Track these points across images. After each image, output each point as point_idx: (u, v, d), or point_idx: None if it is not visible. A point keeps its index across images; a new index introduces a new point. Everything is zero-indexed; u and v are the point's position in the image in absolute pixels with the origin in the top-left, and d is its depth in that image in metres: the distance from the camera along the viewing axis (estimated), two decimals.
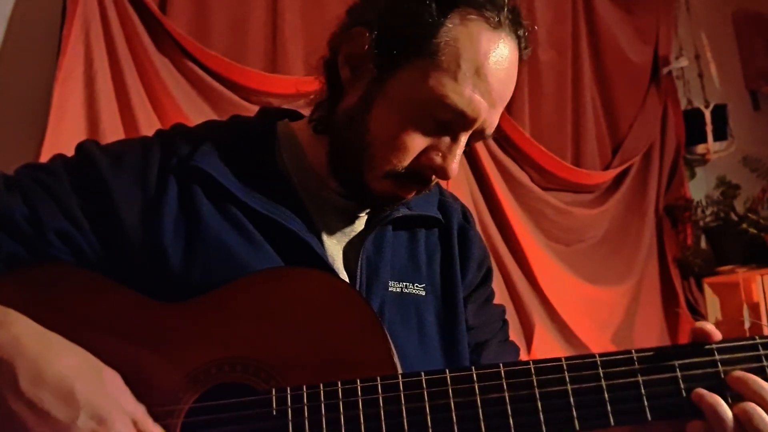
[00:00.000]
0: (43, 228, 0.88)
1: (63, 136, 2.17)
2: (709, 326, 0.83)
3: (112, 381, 0.79)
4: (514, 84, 0.96)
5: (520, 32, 0.95)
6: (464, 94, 0.90)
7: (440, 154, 0.95)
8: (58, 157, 0.98)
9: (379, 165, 0.95)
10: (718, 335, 0.83)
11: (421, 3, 0.91)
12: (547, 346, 3.13)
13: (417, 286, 1.03)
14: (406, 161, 0.94)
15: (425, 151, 0.94)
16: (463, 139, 0.95)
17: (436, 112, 0.92)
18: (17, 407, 0.73)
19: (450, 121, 0.93)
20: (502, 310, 1.17)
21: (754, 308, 3.53)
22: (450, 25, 0.90)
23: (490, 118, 0.94)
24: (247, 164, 0.99)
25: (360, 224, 1.05)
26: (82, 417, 0.73)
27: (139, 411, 0.78)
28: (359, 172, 0.96)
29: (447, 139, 0.94)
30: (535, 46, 3.41)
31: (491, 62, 0.91)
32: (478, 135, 0.97)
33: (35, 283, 0.86)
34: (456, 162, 0.95)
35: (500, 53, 0.92)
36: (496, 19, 0.91)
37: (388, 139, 0.94)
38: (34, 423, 0.73)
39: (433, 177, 0.97)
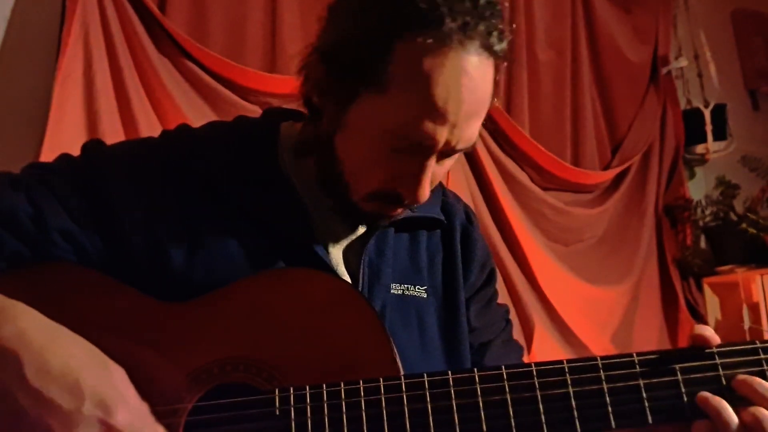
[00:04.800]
0: (47, 227, 0.89)
1: (63, 136, 2.17)
2: (709, 331, 0.83)
3: (118, 374, 0.79)
4: (481, 91, 0.90)
5: (483, 28, 0.87)
6: (414, 124, 0.87)
7: (406, 182, 0.92)
8: (64, 157, 0.98)
9: (357, 190, 0.95)
10: (717, 340, 0.83)
11: (365, 34, 0.88)
12: (546, 346, 3.14)
13: (418, 288, 1.03)
14: (377, 186, 0.94)
15: (394, 177, 0.93)
16: (430, 162, 0.91)
17: (392, 143, 0.89)
18: (23, 398, 0.73)
19: (408, 150, 0.90)
20: (505, 310, 1.17)
21: (754, 308, 3.53)
22: (395, 54, 0.86)
23: (456, 136, 0.89)
24: (249, 166, 0.99)
25: (361, 227, 1.04)
26: (87, 405, 0.74)
27: (143, 408, 0.78)
28: (345, 195, 0.96)
29: (414, 164, 0.91)
30: (534, 45, 3.43)
31: (439, 87, 0.85)
32: (450, 152, 0.93)
33: (38, 281, 0.87)
34: (424, 187, 0.92)
35: (449, 74, 0.86)
36: (438, 37, 0.85)
37: (357, 167, 0.94)
38: (39, 412, 0.73)
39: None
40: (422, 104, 0.86)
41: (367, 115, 0.90)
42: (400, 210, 0.98)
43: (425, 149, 0.90)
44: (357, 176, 0.94)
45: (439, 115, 0.87)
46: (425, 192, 0.93)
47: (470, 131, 0.91)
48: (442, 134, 0.88)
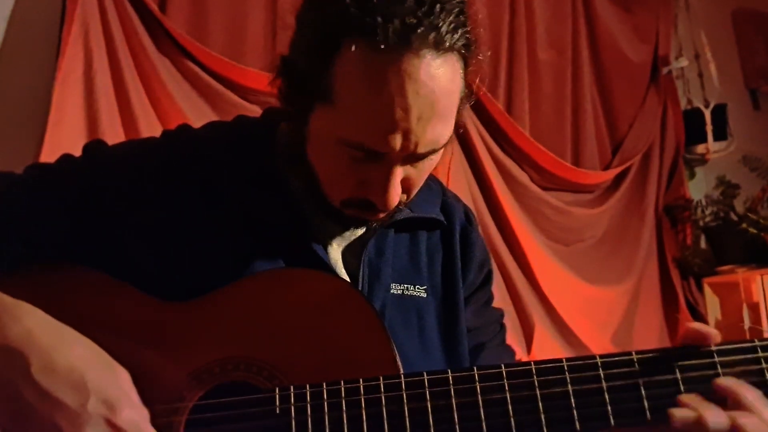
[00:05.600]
0: (48, 228, 0.89)
1: (63, 136, 2.17)
2: (705, 328, 0.82)
3: (123, 375, 0.80)
4: (436, 91, 0.84)
5: (425, 27, 0.81)
6: (366, 134, 0.84)
7: (376, 186, 0.90)
8: (65, 158, 0.98)
9: (333, 196, 0.94)
10: (716, 337, 0.82)
11: (308, 46, 0.88)
12: (546, 345, 3.14)
13: (418, 288, 1.03)
14: (349, 194, 0.92)
15: (363, 185, 0.91)
16: (395, 169, 0.88)
17: (350, 151, 0.87)
18: (30, 395, 0.74)
19: (369, 157, 0.87)
20: (500, 313, 1.17)
21: (754, 308, 3.53)
22: (336, 66, 0.84)
23: (413, 140, 0.85)
24: (248, 167, 0.99)
25: (359, 228, 1.04)
26: (92, 402, 0.75)
27: (144, 414, 0.79)
28: (327, 201, 0.95)
29: (380, 170, 0.88)
30: (535, 45, 3.43)
31: (387, 92, 0.82)
32: (413, 157, 0.89)
33: (40, 282, 0.87)
34: (392, 192, 0.89)
35: (398, 77, 0.82)
36: (383, 40, 0.80)
37: (327, 175, 0.93)
38: (45, 410, 0.74)
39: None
40: (368, 114, 0.84)
41: (323, 125, 0.89)
42: (380, 215, 0.95)
43: (383, 157, 0.87)
44: (329, 184, 0.93)
45: (387, 123, 0.83)
46: (392, 199, 0.89)
47: (431, 134, 0.86)
48: (396, 141, 0.84)
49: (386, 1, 0.81)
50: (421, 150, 0.87)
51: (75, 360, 0.77)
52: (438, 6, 0.82)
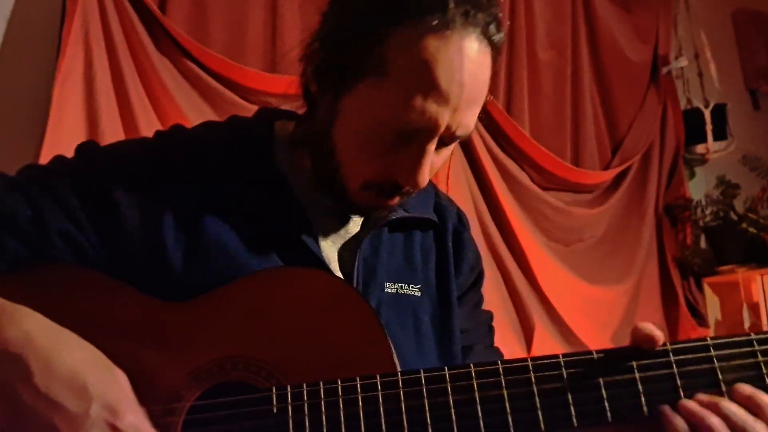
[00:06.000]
0: (46, 228, 0.89)
1: (63, 136, 2.17)
2: (657, 331, 0.81)
3: (122, 379, 0.79)
4: (484, 79, 0.91)
5: (482, 17, 0.88)
6: (416, 107, 0.87)
7: (406, 168, 0.92)
8: (59, 159, 0.98)
9: (353, 180, 0.95)
10: (659, 340, 0.81)
11: (363, 21, 0.89)
12: (546, 346, 3.14)
13: (413, 287, 1.03)
14: (375, 175, 0.94)
15: (393, 164, 0.93)
16: (430, 147, 0.91)
17: (393, 128, 0.89)
18: (31, 400, 0.74)
19: (409, 134, 0.90)
20: (489, 316, 1.18)
21: (754, 308, 3.53)
22: (394, 40, 0.87)
23: (457, 121, 0.90)
24: (244, 164, 0.99)
25: (355, 226, 1.05)
26: (95, 407, 0.74)
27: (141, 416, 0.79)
28: (340, 187, 0.96)
29: (413, 150, 0.91)
30: (535, 45, 3.43)
31: (441, 69, 0.86)
32: (449, 138, 0.93)
33: (39, 283, 0.87)
34: (424, 172, 0.92)
35: (452, 57, 0.86)
36: (442, 21, 0.86)
37: (355, 157, 0.94)
38: (48, 416, 0.73)
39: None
40: (425, 86, 0.87)
41: (366, 101, 0.90)
42: (394, 201, 0.98)
43: (427, 133, 0.90)
44: (353, 165, 0.94)
45: (441, 97, 0.87)
46: (424, 177, 0.92)
47: (469, 117, 0.92)
48: (444, 117, 0.88)
49: None
50: (458, 132, 0.92)
51: (75, 364, 0.77)
52: (488, 1, 0.90)
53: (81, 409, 0.74)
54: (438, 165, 0.98)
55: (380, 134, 0.90)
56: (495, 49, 0.91)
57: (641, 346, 0.82)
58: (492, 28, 0.90)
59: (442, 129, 0.89)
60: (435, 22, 0.86)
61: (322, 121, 0.96)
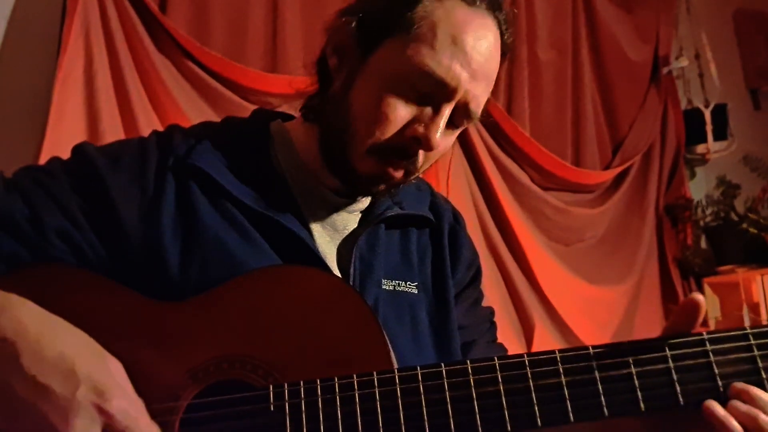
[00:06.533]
0: (44, 228, 0.89)
1: (63, 136, 2.17)
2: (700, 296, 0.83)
3: (114, 365, 0.79)
4: (497, 63, 0.98)
5: (500, 16, 0.97)
6: (442, 62, 0.92)
7: (423, 125, 0.95)
8: (55, 159, 0.98)
9: (362, 140, 0.95)
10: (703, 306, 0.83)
11: None
12: (546, 345, 3.13)
13: (410, 285, 1.04)
14: (389, 133, 0.95)
15: (408, 123, 0.95)
16: (446, 110, 0.95)
17: (415, 81, 0.93)
18: (18, 385, 0.74)
19: (430, 90, 0.93)
20: (491, 311, 1.18)
21: (754, 308, 3.52)
22: (426, 2, 0.93)
23: (473, 90, 0.95)
24: (242, 162, 0.99)
25: (353, 223, 1.05)
26: (82, 389, 0.74)
27: (138, 404, 0.79)
28: (344, 152, 0.97)
29: (429, 110, 0.95)
30: (535, 45, 3.43)
31: (469, 34, 0.93)
32: (463, 111, 0.97)
33: (36, 282, 0.87)
34: (438, 132, 0.95)
35: (478, 28, 0.94)
36: None
37: (370, 112, 0.95)
38: (35, 399, 0.73)
39: (420, 152, 0.97)
40: (452, 46, 0.92)
41: (392, 56, 0.94)
42: (398, 173, 0.99)
43: (447, 91, 0.94)
44: (369, 122, 0.95)
45: (465, 59, 0.93)
46: (438, 137, 0.95)
47: (483, 96, 0.97)
48: (464, 78, 0.93)
49: None
50: (471, 105, 0.96)
51: (65, 348, 0.76)
52: (502, 9, 0.98)
53: (68, 392, 0.73)
54: (441, 151, 1.00)
55: (401, 90, 0.94)
56: (503, 48, 0.98)
57: (686, 314, 0.82)
58: (504, 26, 0.98)
59: (461, 93, 0.94)
60: None
61: (339, 87, 0.98)
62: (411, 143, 0.95)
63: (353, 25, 0.97)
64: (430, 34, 0.92)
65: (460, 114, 0.97)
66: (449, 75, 0.92)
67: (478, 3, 0.94)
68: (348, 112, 0.96)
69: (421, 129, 0.94)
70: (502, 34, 0.97)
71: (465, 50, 0.92)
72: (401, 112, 0.94)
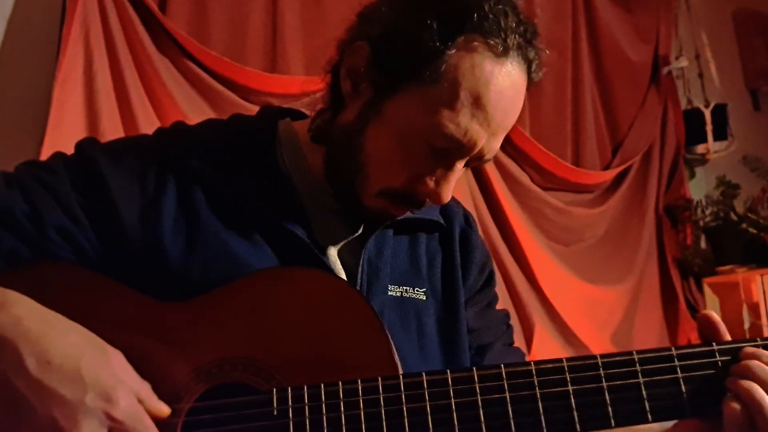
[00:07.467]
0: (44, 225, 0.88)
1: (63, 136, 2.17)
2: (716, 316, 0.83)
3: (116, 358, 0.78)
4: (519, 111, 0.94)
5: (531, 55, 0.92)
6: (461, 124, 0.88)
7: (434, 180, 0.93)
8: (58, 155, 0.97)
9: (373, 185, 0.94)
10: (723, 327, 0.83)
11: (423, 26, 0.88)
12: (546, 345, 3.14)
13: (417, 291, 1.02)
14: (399, 183, 0.94)
15: (419, 176, 0.93)
16: (459, 165, 0.93)
17: (432, 139, 0.90)
18: (24, 387, 0.73)
19: (446, 149, 0.91)
20: (505, 314, 1.17)
21: (754, 308, 3.52)
22: (451, 53, 0.87)
23: (489, 145, 0.92)
24: (247, 163, 0.98)
25: (358, 228, 1.04)
26: (90, 395, 0.73)
27: (144, 388, 0.78)
28: (354, 190, 0.96)
29: (443, 165, 0.93)
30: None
31: (492, 92, 0.88)
32: (476, 160, 0.95)
33: (36, 280, 0.86)
34: (449, 188, 0.94)
35: (503, 83, 0.89)
36: (502, 46, 0.88)
37: (383, 162, 0.93)
38: (42, 402, 0.72)
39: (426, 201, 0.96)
40: (473, 107, 0.88)
41: (409, 108, 0.90)
42: (404, 212, 0.98)
43: (462, 151, 0.91)
44: (378, 170, 0.94)
45: (485, 120, 0.89)
46: (448, 194, 0.94)
47: (498, 144, 0.94)
48: (482, 139, 0.90)
49: (500, 11, 0.89)
50: (486, 156, 0.94)
51: (68, 349, 0.75)
52: (536, 37, 0.92)
53: (77, 398, 0.73)
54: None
55: (416, 144, 0.91)
56: (531, 84, 0.94)
57: (709, 330, 0.83)
58: (535, 65, 0.93)
59: (477, 150, 0.91)
60: (495, 46, 0.88)
61: (352, 121, 0.95)
62: (420, 195, 0.95)
63: (370, 57, 0.93)
64: (451, 93, 0.88)
65: (473, 162, 0.96)
66: (467, 137, 0.89)
67: (509, 51, 0.89)
68: (360, 152, 0.94)
69: (432, 185, 0.93)
70: (530, 75, 0.93)
71: (486, 110, 0.88)
72: (414, 166, 0.93)
